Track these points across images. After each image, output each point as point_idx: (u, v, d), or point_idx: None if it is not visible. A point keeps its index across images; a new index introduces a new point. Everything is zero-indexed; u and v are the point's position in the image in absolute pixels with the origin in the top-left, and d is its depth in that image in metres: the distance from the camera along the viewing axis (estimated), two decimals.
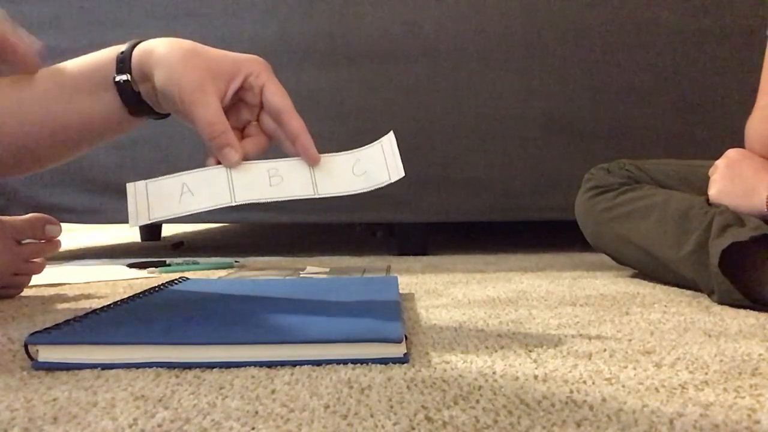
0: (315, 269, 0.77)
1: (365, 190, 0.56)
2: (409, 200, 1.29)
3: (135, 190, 0.55)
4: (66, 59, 0.60)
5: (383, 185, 0.56)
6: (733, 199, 0.73)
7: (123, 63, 0.58)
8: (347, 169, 0.57)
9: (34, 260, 0.77)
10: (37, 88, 0.60)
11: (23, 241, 0.76)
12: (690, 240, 0.73)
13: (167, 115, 0.62)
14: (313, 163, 0.57)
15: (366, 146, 0.58)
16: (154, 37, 0.58)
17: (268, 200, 0.55)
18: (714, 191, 0.76)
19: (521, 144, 1.29)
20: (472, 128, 1.29)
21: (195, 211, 0.54)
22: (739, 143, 0.79)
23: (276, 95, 0.57)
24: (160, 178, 0.55)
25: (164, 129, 1.29)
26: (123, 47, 0.59)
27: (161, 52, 0.56)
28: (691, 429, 0.32)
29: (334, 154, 0.58)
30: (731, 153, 0.77)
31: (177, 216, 0.53)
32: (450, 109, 1.28)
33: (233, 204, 0.53)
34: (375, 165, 0.57)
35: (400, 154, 0.57)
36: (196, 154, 1.28)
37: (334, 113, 1.29)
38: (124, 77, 0.58)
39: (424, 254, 1.33)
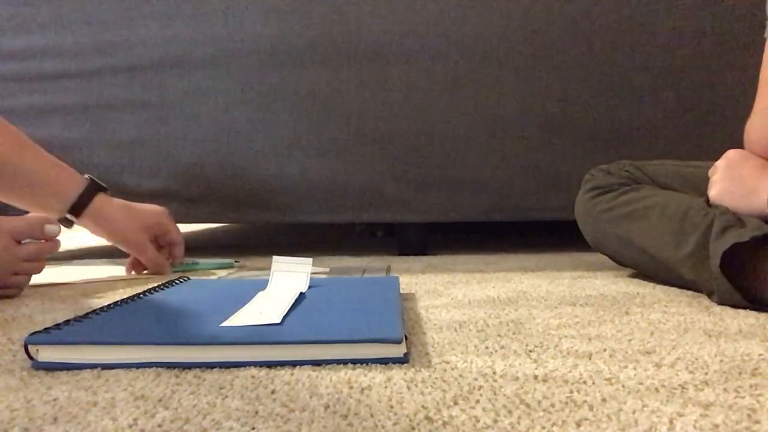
0: (315, 269, 0.77)
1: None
2: (409, 200, 1.29)
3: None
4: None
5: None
6: (733, 199, 0.73)
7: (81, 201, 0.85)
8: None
9: (34, 260, 0.77)
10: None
11: (23, 241, 0.76)
12: (690, 241, 0.73)
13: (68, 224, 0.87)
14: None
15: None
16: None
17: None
18: (714, 192, 0.75)
19: (521, 144, 1.29)
20: (472, 128, 1.29)
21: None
22: (739, 143, 0.79)
23: (174, 233, 1.00)
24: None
25: (164, 129, 1.29)
26: (81, 186, 0.85)
27: (109, 213, 0.88)
28: (691, 429, 0.32)
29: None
30: (731, 154, 0.77)
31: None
32: (450, 109, 1.28)
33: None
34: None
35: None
36: (197, 155, 1.29)
37: (334, 113, 1.29)
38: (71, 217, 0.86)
39: (424, 254, 1.33)
